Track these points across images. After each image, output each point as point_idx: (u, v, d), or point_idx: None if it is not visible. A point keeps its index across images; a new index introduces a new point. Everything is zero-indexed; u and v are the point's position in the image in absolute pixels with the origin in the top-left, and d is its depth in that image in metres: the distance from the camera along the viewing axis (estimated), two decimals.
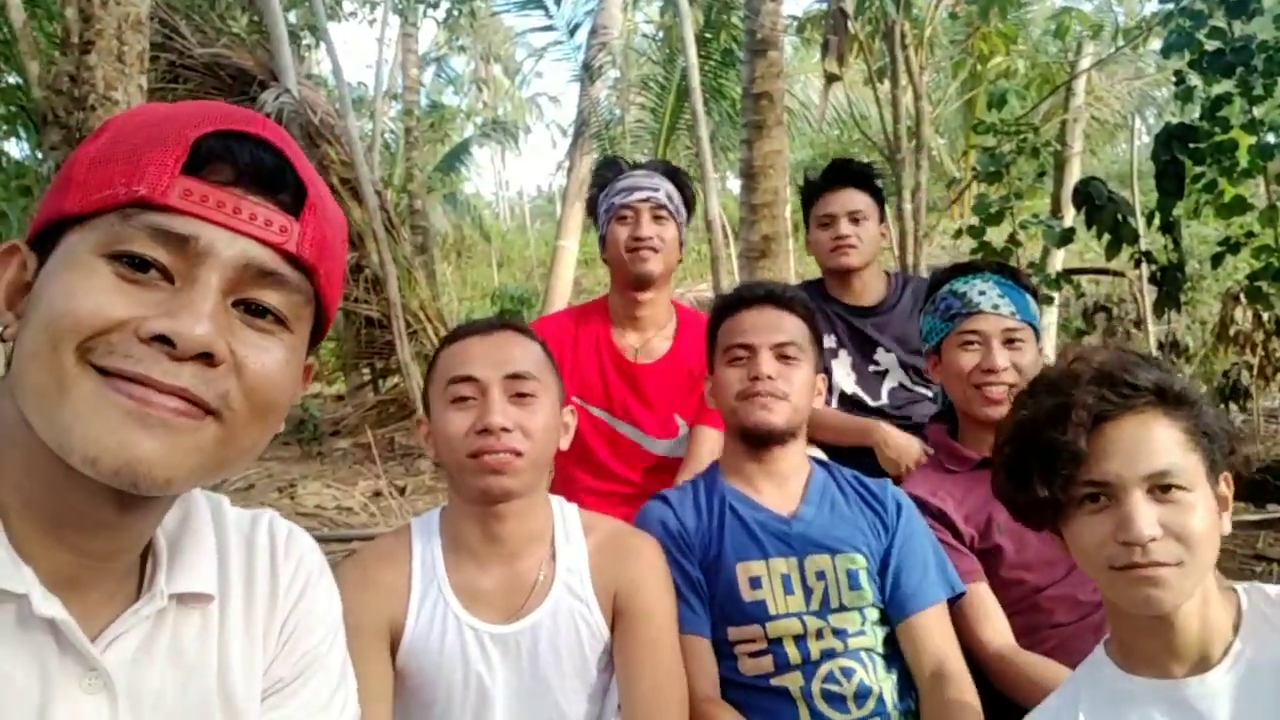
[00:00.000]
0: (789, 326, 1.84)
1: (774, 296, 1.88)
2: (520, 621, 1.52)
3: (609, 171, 2.54)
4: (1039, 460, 1.26)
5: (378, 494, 6.24)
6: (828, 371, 2.67)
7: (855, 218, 2.71)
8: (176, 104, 0.80)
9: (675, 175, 2.52)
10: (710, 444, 2.29)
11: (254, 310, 0.78)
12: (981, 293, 2.03)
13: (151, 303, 0.72)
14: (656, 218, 2.41)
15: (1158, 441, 1.22)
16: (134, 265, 0.73)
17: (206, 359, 0.73)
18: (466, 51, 33.01)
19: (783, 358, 1.81)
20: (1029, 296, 2.07)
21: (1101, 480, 1.22)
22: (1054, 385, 1.30)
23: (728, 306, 1.91)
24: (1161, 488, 1.20)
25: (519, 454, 1.48)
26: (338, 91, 10.23)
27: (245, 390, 0.76)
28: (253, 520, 0.98)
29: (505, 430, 1.48)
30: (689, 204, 2.54)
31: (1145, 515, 1.18)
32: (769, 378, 1.78)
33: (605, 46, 14.80)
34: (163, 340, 0.71)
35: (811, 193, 2.83)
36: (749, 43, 6.15)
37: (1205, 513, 1.20)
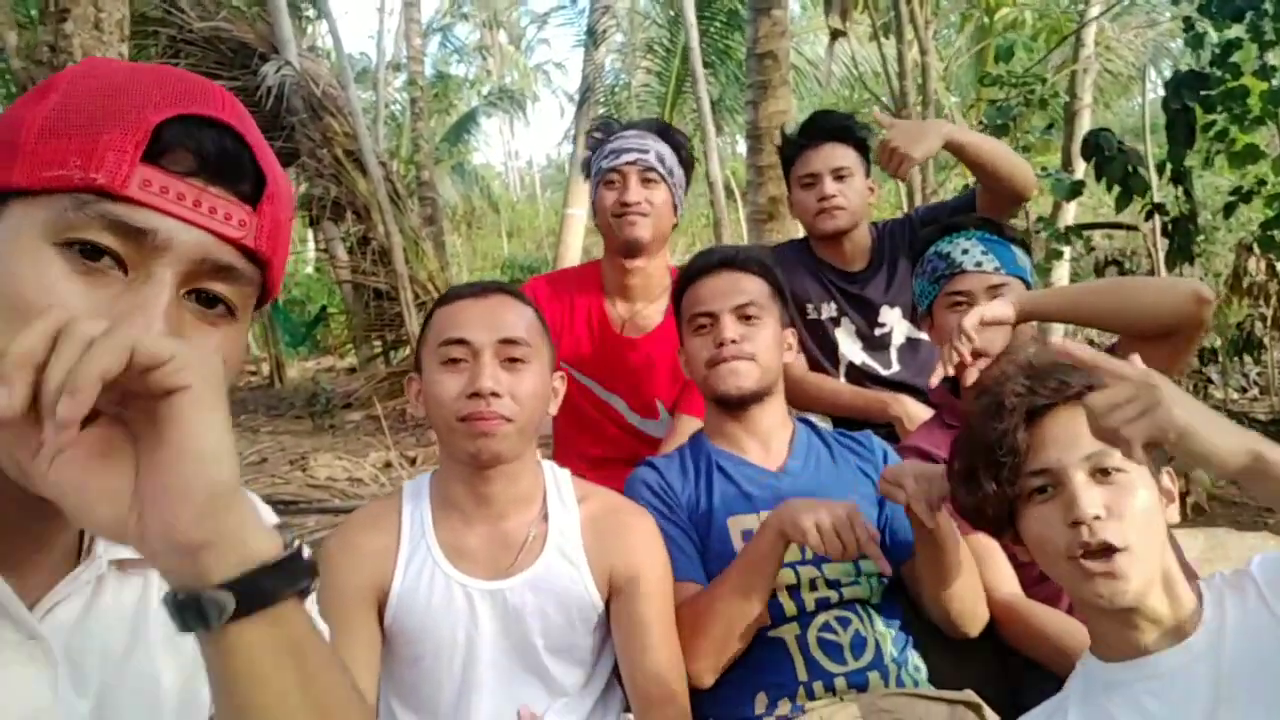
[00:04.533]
0: (746, 287, 1.85)
1: (729, 261, 1.89)
2: (509, 579, 1.53)
3: (601, 132, 2.47)
4: (983, 456, 1.31)
5: (388, 465, 6.27)
6: (832, 341, 2.64)
7: (840, 175, 2.58)
8: (131, 70, 0.77)
9: (669, 134, 2.42)
10: (691, 431, 2.23)
11: (205, 299, 0.76)
12: (965, 251, 2.02)
13: (105, 299, 0.70)
14: (645, 181, 2.33)
15: None
16: (86, 253, 0.71)
17: None
18: (470, 19, 32.81)
19: (745, 318, 1.83)
20: (1015, 249, 2.05)
21: (1043, 468, 1.27)
22: (987, 387, 1.38)
23: (687, 278, 1.93)
24: (1102, 470, 1.25)
25: (508, 419, 1.48)
26: (339, 63, 10.17)
27: None
28: None
29: (495, 395, 1.48)
30: (686, 164, 2.43)
31: (1089, 494, 1.23)
32: (733, 341, 1.80)
33: (609, 10, 14.64)
34: None
35: (791, 151, 2.69)
36: (752, 1, 6.06)
37: (1147, 495, 1.25)
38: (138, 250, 0.71)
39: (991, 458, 1.30)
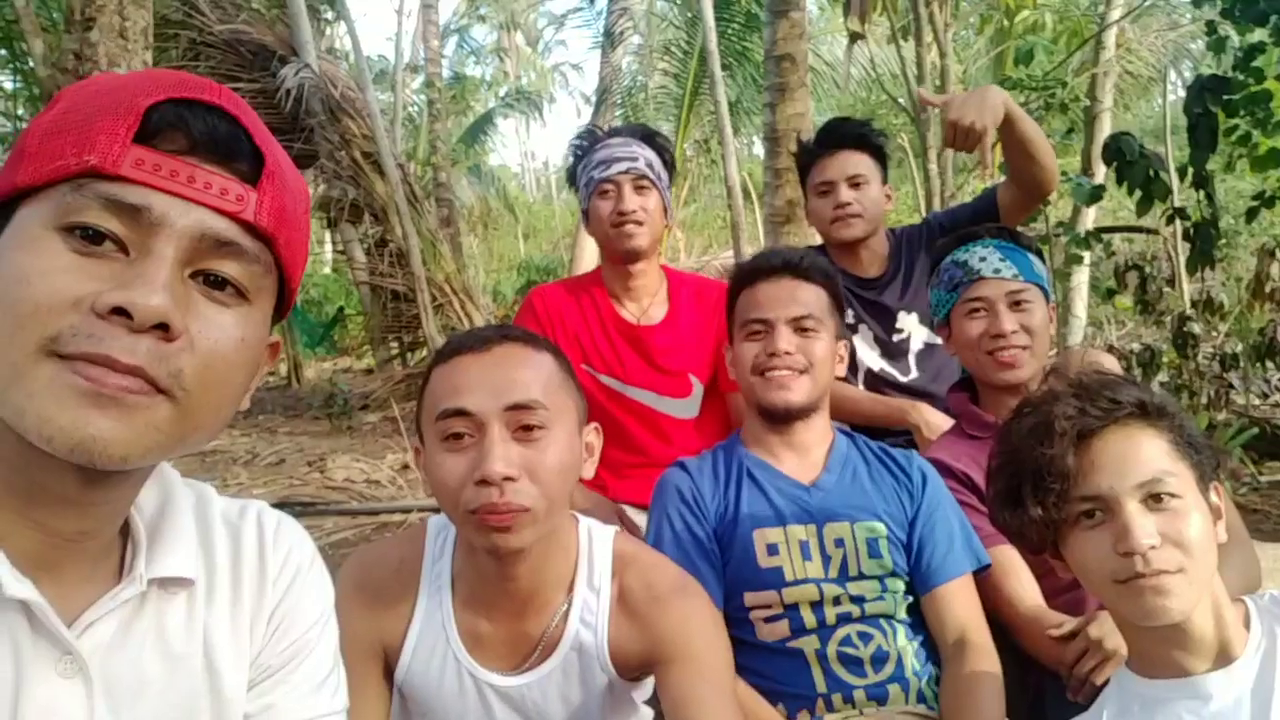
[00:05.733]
0: (805, 298, 1.80)
1: (791, 266, 1.83)
2: (527, 675, 1.39)
3: (586, 141, 2.49)
4: (1029, 480, 1.27)
5: (405, 467, 6.27)
6: (850, 348, 2.63)
7: (855, 182, 2.58)
8: (131, 73, 0.79)
9: (653, 139, 2.45)
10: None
11: (213, 282, 0.77)
12: (982, 259, 2.00)
13: (106, 275, 0.71)
14: (638, 189, 2.36)
15: (1145, 451, 1.23)
16: (88, 237, 0.72)
17: (163, 330, 0.72)
18: (487, 21, 32.90)
19: (801, 330, 1.78)
20: (1032, 257, 2.03)
21: (1094, 494, 1.23)
22: (1035, 405, 1.32)
23: (744, 277, 1.87)
24: (1154, 496, 1.21)
25: (526, 509, 1.24)
26: (357, 65, 10.21)
27: (200, 366, 0.75)
28: (240, 510, 0.97)
29: (510, 479, 1.23)
30: (670, 166, 2.48)
31: (1142, 525, 1.19)
32: (786, 353, 1.76)
33: (627, 12, 14.65)
34: (120, 313, 0.70)
35: (807, 159, 2.68)
36: (770, 3, 6.05)
37: (1200, 519, 1.21)
38: (136, 229, 0.73)
39: (1039, 482, 1.25)
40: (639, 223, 2.35)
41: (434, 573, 1.43)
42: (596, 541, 1.45)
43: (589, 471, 1.40)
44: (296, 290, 0.88)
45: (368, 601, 1.39)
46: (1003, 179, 2.63)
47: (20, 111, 10.69)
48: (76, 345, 0.69)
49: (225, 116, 0.77)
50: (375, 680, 1.39)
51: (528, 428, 1.27)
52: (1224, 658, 1.20)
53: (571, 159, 2.54)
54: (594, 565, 1.42)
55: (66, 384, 0.69)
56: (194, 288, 0.76)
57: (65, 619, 0.78)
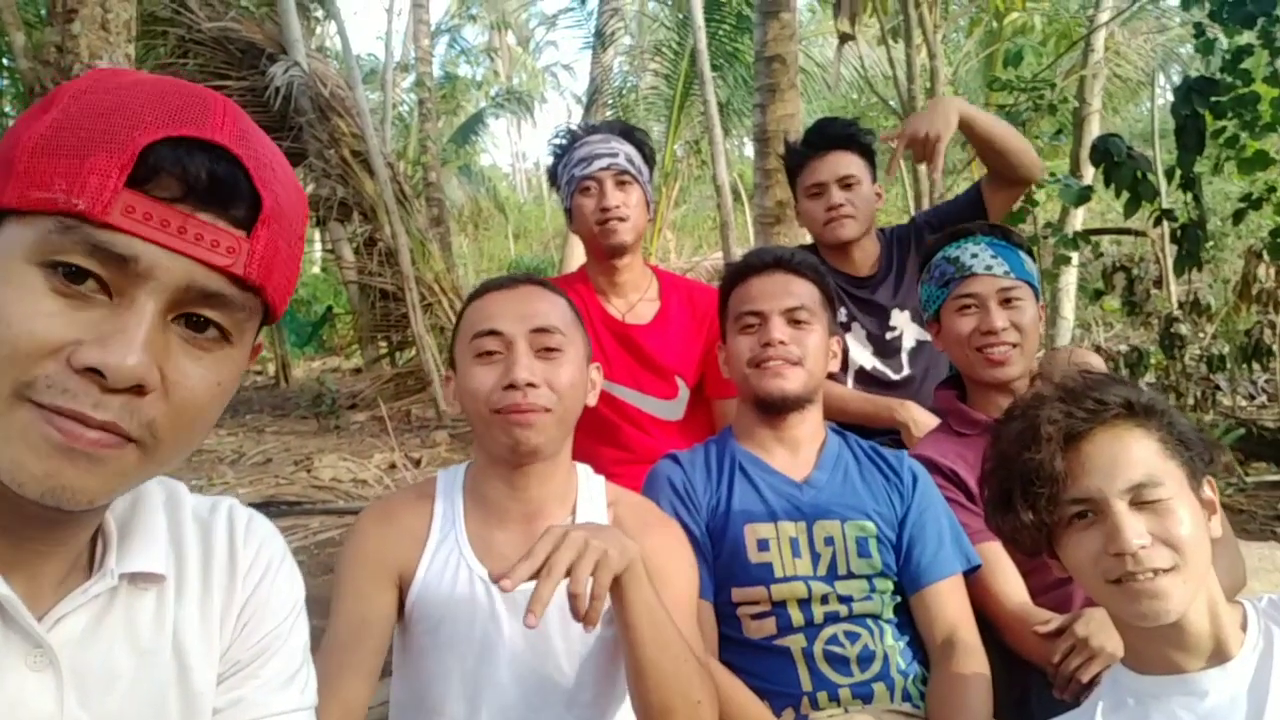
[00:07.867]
0: (799, 291, 1.81)
1: (782, 262, 1.85)
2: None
3: (565, 139, 2.49)
4: (1019, 485, 1.27)
5: (393, 466, 6.26)
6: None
7: (847, 183, 2.58)
8: (131, 85, 0.75)
9: (632, 134, 2.47)
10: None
11: (195, 324, 0.76)
12: (974, 255, 2.01)
13: (87, 322, 0.70)
14: (620, 184, 2.37)
15: (1134, 452, 1.23)
16: (70, 275, 0.70)
17: (137, 389, 0.71)
18: (478, 21, 32.88)
19: (794, 322, 1.79)
20: (1023, 255, 2.04)
21: (1084, 497, 1.23)
22: (1022, 410, 1.32)
23: (737, 274, 1.89)
24: (1144, 497, 1.20)
25: (546, 410, 1.46)
26: (347, 64, 10.20)
27: (173, 415, 0.74)
28: (211, 507, 0.97)
29: (531, 385, 1.45)
30: (649, 160, 2.48)
31: (1132, 525, 1.19)
32: (781, 343, 1.76)
33: (618, 12, 14.67)
34: (96, 371, 0.69)
35: (797, 160, 2.68)
36: (761, 4, 6.04)
37: (1191, 517, 1.21)
38: (121, 276, 0.71)
39: (1028, 487, 1.25)
40: (622, 218, 2.35)
41: (449, 500, 1.58)
42: (593, 480, 1.64)
43: (592, 399, 1.61)
44: (283, 312, 0.86)
45: (385, 528, 1.54)
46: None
47: (8, 109, 10.65)
48: (51, 398, 0.69)
49: (226, 156, 0.74)
50: (385, 600, 1.49)
51: (547, 349, 1.50)
52: (1219, 656, 1.20)
53: (552, 158, 2.54)
54: (593, 492, 1.61)
55: (40, 434, 0.69)
56: (175, 332, 0.74)
57: (36, 613, 0.78)
